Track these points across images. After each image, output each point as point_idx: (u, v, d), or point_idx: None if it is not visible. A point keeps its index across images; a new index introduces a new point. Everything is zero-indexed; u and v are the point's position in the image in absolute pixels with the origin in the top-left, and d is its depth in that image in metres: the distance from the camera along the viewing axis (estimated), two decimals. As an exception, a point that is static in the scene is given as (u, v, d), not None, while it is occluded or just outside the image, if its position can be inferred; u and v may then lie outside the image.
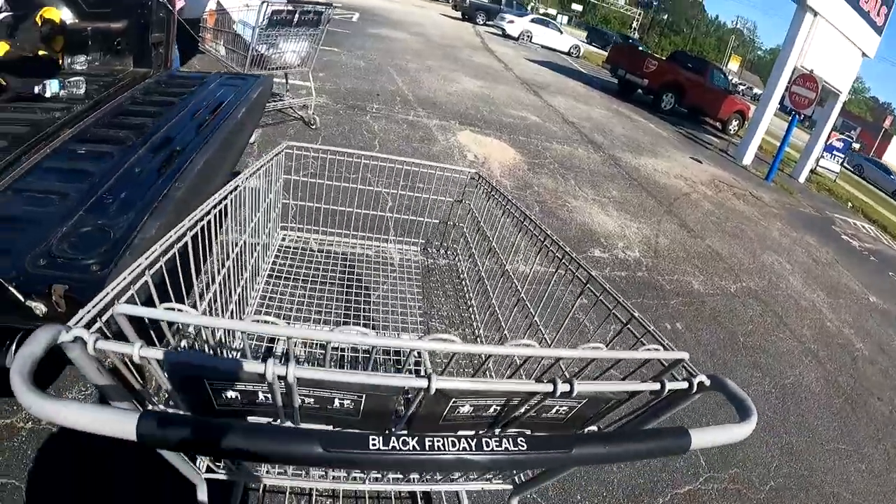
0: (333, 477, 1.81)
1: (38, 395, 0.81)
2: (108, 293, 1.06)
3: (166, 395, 1.32)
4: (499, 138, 8.99)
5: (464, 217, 3.01)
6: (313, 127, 6.73)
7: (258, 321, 0.99)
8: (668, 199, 8.87)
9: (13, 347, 2.11)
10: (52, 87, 3.21)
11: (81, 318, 0.96)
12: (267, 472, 1.74)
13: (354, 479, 1.81)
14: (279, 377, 0.93)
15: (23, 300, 1.66)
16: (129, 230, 1.94)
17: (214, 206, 1.64)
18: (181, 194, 2.20)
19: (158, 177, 2.34)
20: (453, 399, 1.08)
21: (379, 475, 1.79)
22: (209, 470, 1.65)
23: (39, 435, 2.61)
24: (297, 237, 2.91)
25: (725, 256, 7.22)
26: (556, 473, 1.73)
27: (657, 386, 1.11)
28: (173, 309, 0.99)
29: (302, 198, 2.81)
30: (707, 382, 1.15)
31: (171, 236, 1.36)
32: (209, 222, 1.58)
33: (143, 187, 2.25)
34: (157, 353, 0.93)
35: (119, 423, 0.81)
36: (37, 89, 3.17)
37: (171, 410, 1.25)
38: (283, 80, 6.96)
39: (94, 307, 1.01)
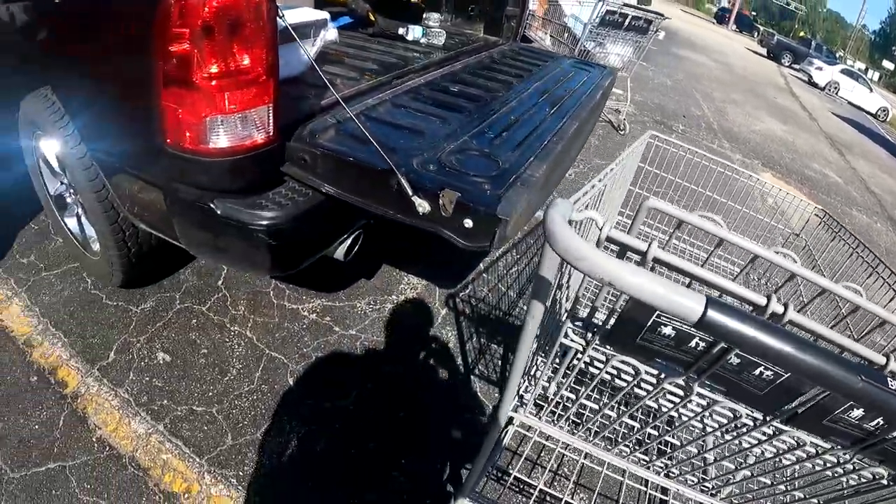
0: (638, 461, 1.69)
1: (596, 250, 0.81)
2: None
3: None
4: (798, 189, 8.29)
5: (798, 251, 2.76)
6: (621, 132, 6.60)
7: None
8: (966, 307, 7.55)
9: (347, 242, 2.21)
10: (415, 32, 3.41)
11: (576, 201, 1.00)
12: (573, 432, 1.68)
13: (653, 469, 1.67)
14: (775, 314, 0.94)
15: (410, 193, 1.70)
16: (517, 165, 1.94)
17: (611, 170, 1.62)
18: (559, 149, 2.18)
19: (538, 128, 2.35)
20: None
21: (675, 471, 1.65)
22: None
23: (319, 326, 2.83)
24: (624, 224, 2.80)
25: None
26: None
27: None
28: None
29: (648, 189, 2.71)
30: None
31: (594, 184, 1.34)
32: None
33: (523, 133, 2.27)
34: (669, 256, 0.97)
35: (684, 299, 0.79)
36: (401, 31, 3.39)
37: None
38: (600, 81, 6.85)
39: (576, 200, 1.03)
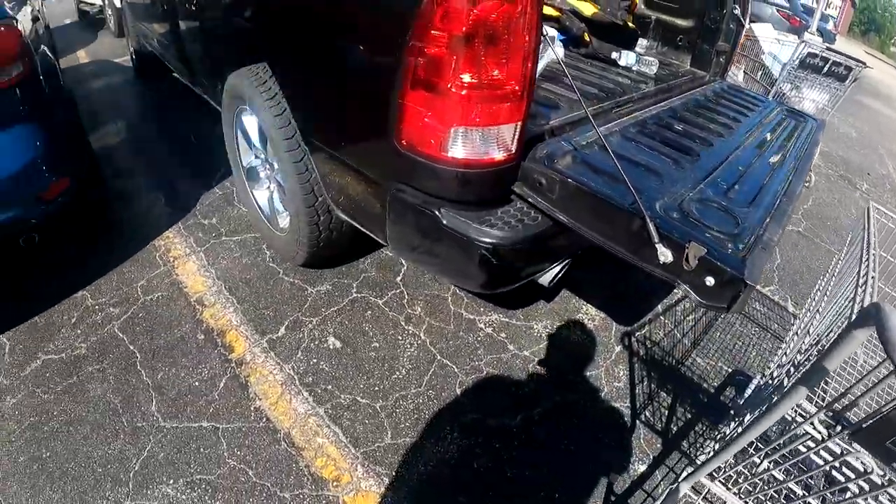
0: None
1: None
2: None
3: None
4: (980, 274, 7.59)
5: None
6: (807, 184, 6.22)
7: None
8: None
9: (555, 269, 2.14)
10: (628, 58, 3.28)
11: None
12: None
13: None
14: None
15: (656, 240, 1.58)
16: (754, 224, 1.79)
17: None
18: (789, 211, 2.01)
19: (767, 183, 2.17)
20: None
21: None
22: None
23: (493, 341, 2.84)
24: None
25: None
26: None
27: None
28: None
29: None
30: None
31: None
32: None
33: (753, 187, 2.09)
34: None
35: None
36: (614, 55, 3.26)
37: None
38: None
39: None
